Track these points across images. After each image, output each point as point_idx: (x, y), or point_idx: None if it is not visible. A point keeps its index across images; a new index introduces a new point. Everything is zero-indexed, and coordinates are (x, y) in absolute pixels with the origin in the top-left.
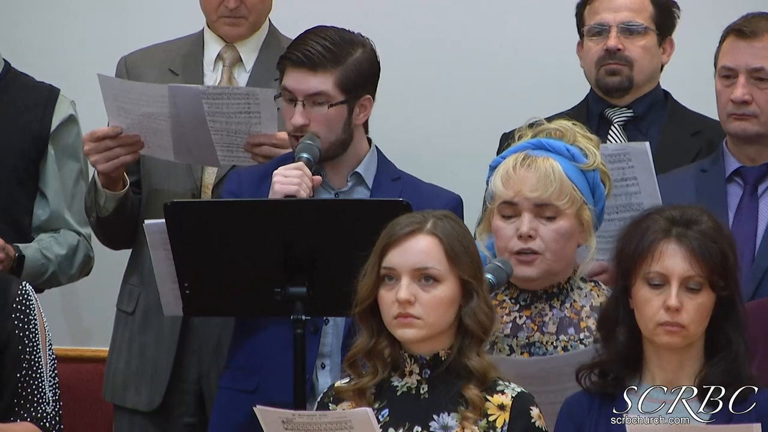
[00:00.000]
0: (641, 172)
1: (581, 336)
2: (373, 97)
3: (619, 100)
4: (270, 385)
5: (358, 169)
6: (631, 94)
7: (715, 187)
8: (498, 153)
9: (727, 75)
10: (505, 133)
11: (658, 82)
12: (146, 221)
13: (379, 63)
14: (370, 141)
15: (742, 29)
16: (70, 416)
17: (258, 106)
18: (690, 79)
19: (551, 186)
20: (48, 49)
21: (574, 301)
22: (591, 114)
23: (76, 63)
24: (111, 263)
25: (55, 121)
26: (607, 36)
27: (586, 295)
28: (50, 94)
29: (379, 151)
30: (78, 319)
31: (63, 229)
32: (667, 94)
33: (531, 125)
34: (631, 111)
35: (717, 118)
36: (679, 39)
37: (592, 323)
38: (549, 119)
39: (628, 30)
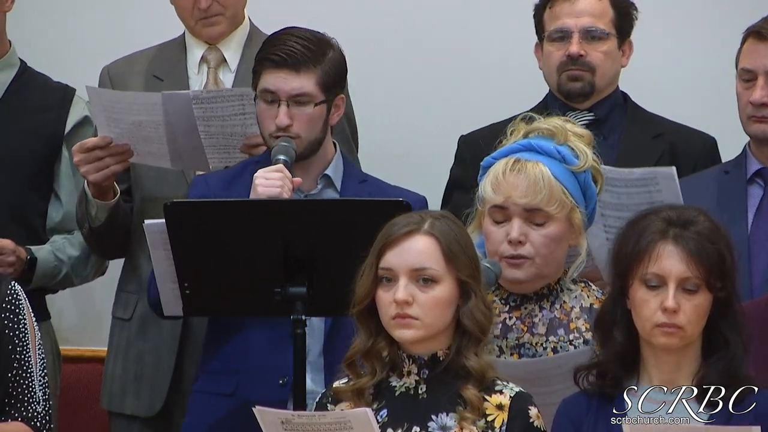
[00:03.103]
0: (668, 195)
1: (571, 337)
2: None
3: (580, 104)
4: (249, 386)
5: (327, 171)
6: (591, 98)
7: (736, 189)
8: (455, 156)
9: (747, 78)
10: (462, 136)
11: (617, 85)
12: (146, 221)
13: (346, 63)
14: (335, 144)
15: (761, 31)
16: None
17: (252, 106)
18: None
19: (540, 192)
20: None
21: (564, 302)
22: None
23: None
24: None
25: (70, 122)
26: (569, 42)
27: (576, 297)
28: (66, 94)
29: (343, 154)
30: (70, 318)
31: (77, 230)
32: (626, 96)
33: (524, 119)
34: (592, 114)
35: (676, 120)
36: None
37: (581, 324)
38: (507, 121)
39: (590, 36)
